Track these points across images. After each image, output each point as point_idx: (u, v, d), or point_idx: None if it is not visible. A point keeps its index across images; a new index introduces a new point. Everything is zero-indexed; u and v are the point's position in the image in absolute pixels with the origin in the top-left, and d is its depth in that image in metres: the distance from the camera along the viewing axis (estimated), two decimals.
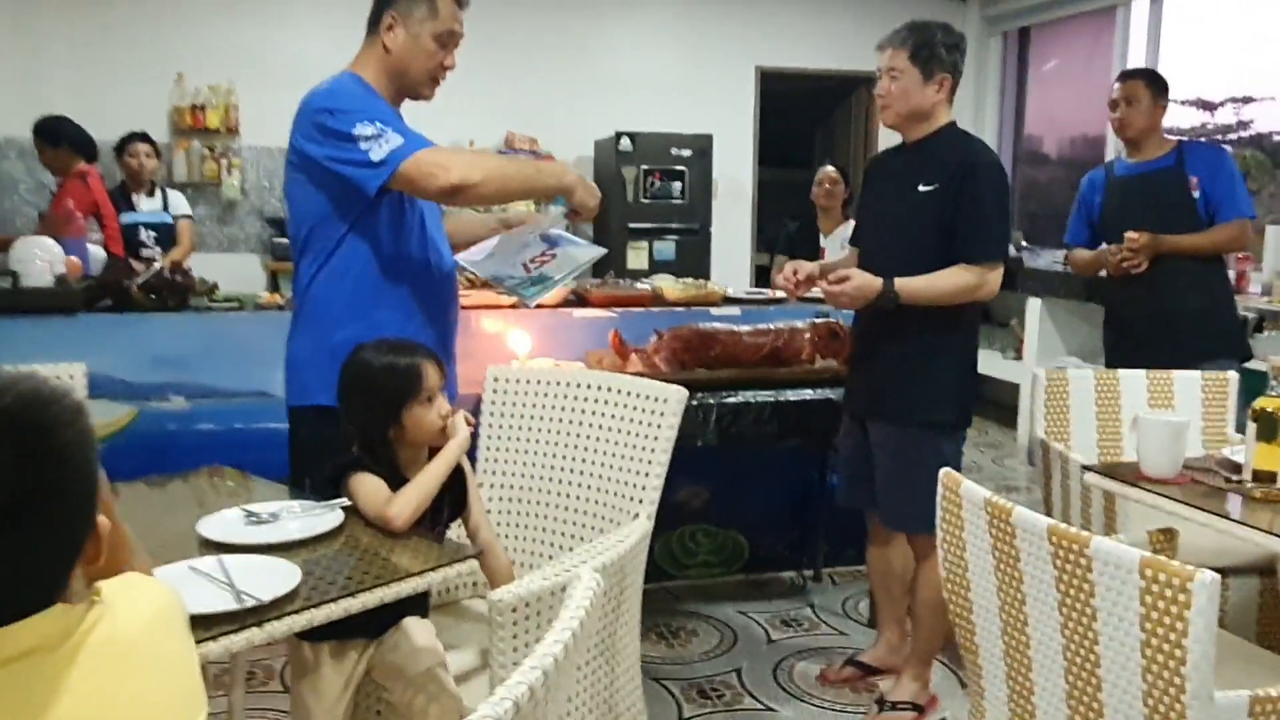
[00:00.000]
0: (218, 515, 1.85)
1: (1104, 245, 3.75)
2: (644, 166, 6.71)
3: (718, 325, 3.48)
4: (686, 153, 6.79)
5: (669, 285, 3.90)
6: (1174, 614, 1.39)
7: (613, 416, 2.34)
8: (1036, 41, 7.68)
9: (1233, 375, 3.14)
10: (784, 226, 5.62)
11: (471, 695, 1.96)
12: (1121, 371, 3.18)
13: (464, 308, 2.78)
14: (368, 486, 1.88)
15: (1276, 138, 7.03)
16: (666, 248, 6.67)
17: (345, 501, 1.90)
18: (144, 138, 5.20)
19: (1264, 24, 6.25)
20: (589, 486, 2.35)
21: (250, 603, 1.48)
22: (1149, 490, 2.22)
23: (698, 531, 3.79)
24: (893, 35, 2.75)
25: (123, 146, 5.17)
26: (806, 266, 2.87)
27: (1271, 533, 1.96)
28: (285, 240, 6.41)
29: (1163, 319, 3.54)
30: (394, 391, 1.96)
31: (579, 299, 3.78)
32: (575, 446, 2.38)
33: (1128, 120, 3.61)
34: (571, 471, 2.38)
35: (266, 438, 3.37)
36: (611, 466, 2.32)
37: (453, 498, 2.07)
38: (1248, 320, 4.56)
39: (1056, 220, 7.23)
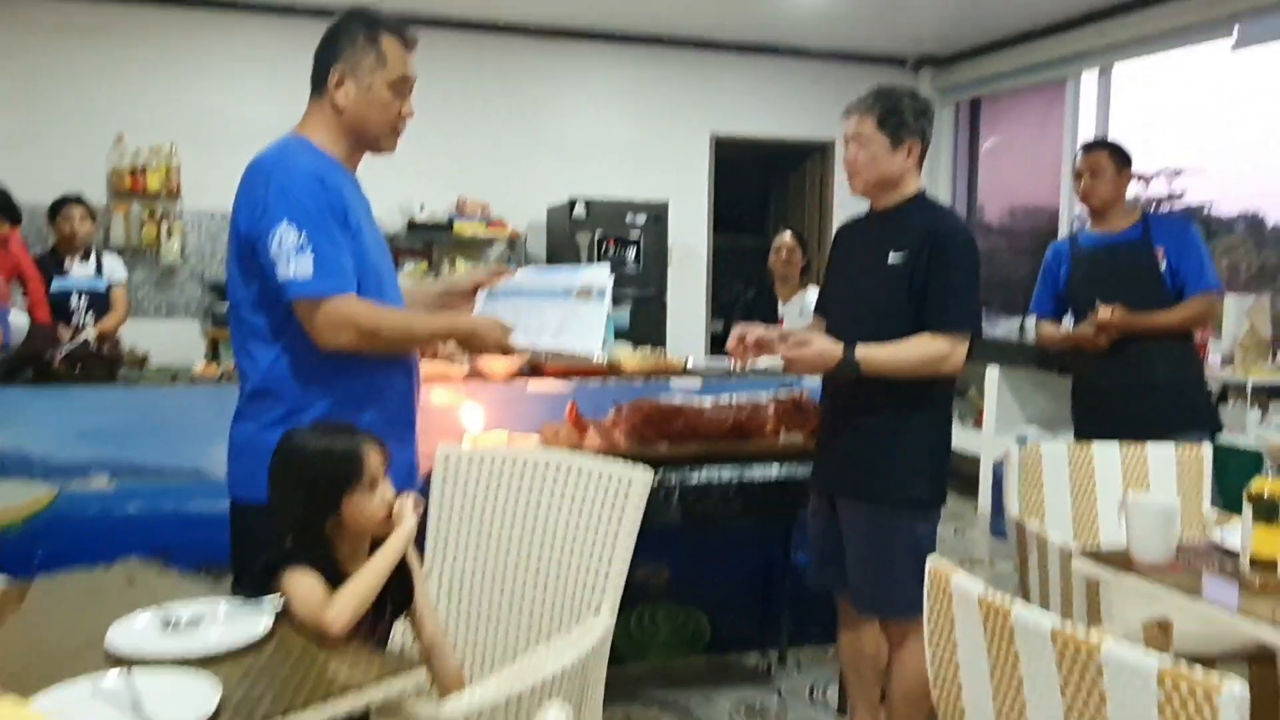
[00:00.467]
0: (131, 621, 1.65)
1: (1071, 317, 3.71)
2: (598, 233, 6.61)
3: (678, 398, 3.35)
4: (641, 219, 6.72)
5: (627, 355, 3.76)
6: None
7: (572, 499, 2.18)
8: (987, 112, 7.77)
9: (1207, 449, 3.07)
10: (740, 293, 5.54)
11: None
12: (1095, 445, 3.10)
13: None
14: (303, 586, 1.70)
15: (1207, 210, 7.20)
16: (621, 315, 6.55)
17: (278, 601, 1.71)
18: (78, 200, 5.01)
19: (1198, 100, 6.40)
20: (547, 576, 2.18)
21: None
22: (1143, 580, 2.10)
23: (658, 611, 3.60)
24: (858, 101, 2.66)
25: (55, 210, 4.97)
26: (757, 330, 2.73)
27: (1277, 623, 1.85)
28: (227, 306, 6.22)
29: (1134, 391, 3.49)
30: (332, 480, 1.79)
31: (533, 369, 3.62)
32: (532, 532, 2.21)
33: (1093, 191, 3.58)
34: (528, 559, 2.21)
35: (200, 520, 3.17)
36: (571, 554, 2.15)
37: (397, 591, 1.88)
38: (1214, 393, 4.53)
39: (1011, 289, 7.26)
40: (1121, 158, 3.60)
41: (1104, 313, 3.42)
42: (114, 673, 1.46)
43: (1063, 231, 6.77)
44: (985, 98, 7.61)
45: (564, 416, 3.24)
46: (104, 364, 3.26)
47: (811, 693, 3.49)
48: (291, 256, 1.98)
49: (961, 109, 7.75)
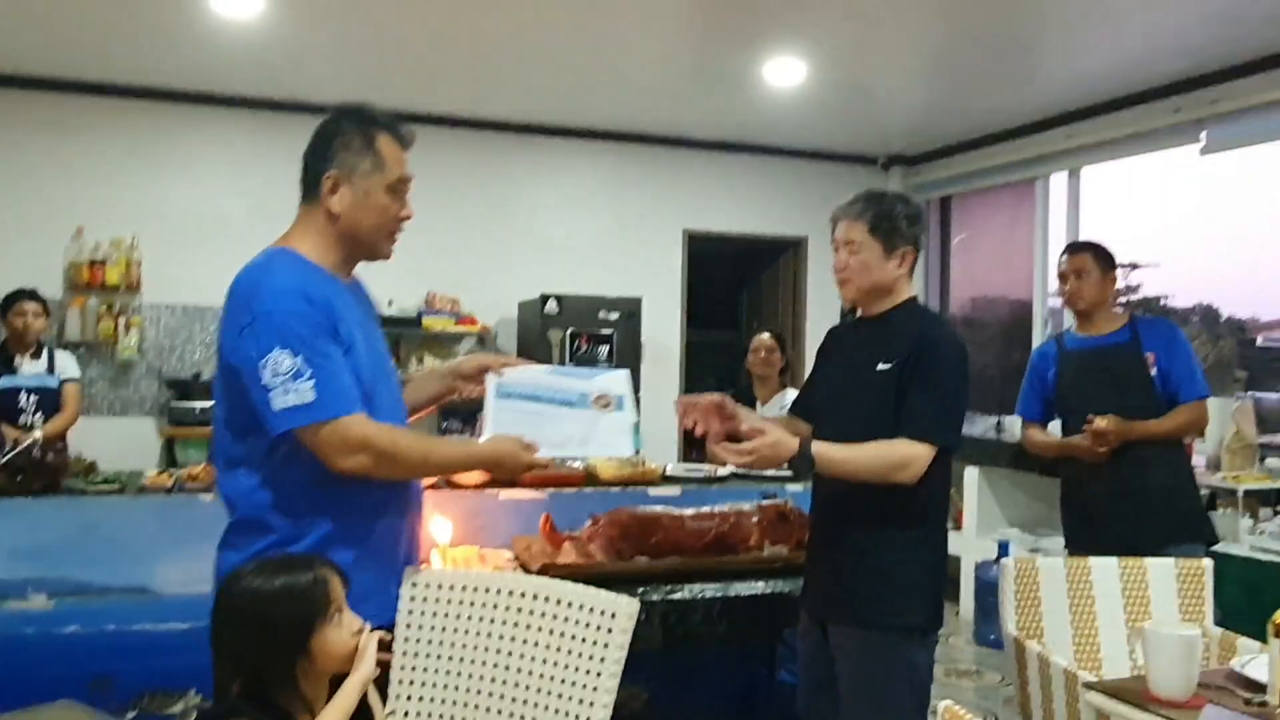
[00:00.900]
0: None
1: (1060, 420, 3.62)
2: (571, 330, 6.51)
3: (658, 509, 3.19)
4: (614, 315, 6.63)
5: (603, 462, 3.61)
6: None
7: (550, 633, 2.00)
8: (958, 209, 7.81)
9: (1207, 564, 2.97)
10: (716, 390, 5.41)
11: None
12: (1093, 560, 2.98)
13: None
14: None
15: (1163, 301, 7.30)
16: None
17: None
18: (32, 295, 4.83)
19: (1164, 198, 6.50)
20: (522, 718, 1.99)
21: None
22: (1162, 716, 1.96)
23: None
24: (848, 207, 2.56)
25: (7, 305, 4.79)
26: (706, 398, 2.61)
27: None
28: (186, 405, 6.02)
29: (1127, 499, 3.39)
30: (299, 618, 1.63)
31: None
32: (505, 669, 2.02)
33: (1079, 293, 3.52)
34: (500, 699, 2.01)
35: (145, 642, 2.94)
36: (549, 694, 1.96)
37: None
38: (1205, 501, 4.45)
39: (985, 385, 7.20)
40: (1106, 259, 3.55)
41: (1100, 422, 3.32)
42: None
43: (1037, 328, 6.75)
44: (955, 195, 7.66)
45: (537, 528, 3.08)
46: (47, 472, 3.05)
47: None
48: (289, 384, 1.85)
49: (932, 205, 7.79)
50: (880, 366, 2.51)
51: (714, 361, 8.37)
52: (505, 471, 2.15)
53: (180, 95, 6.27)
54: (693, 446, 5.91)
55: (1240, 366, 6.56)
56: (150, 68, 5.89)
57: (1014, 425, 6.20)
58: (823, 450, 2.36)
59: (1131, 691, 2.06)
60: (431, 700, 2.07)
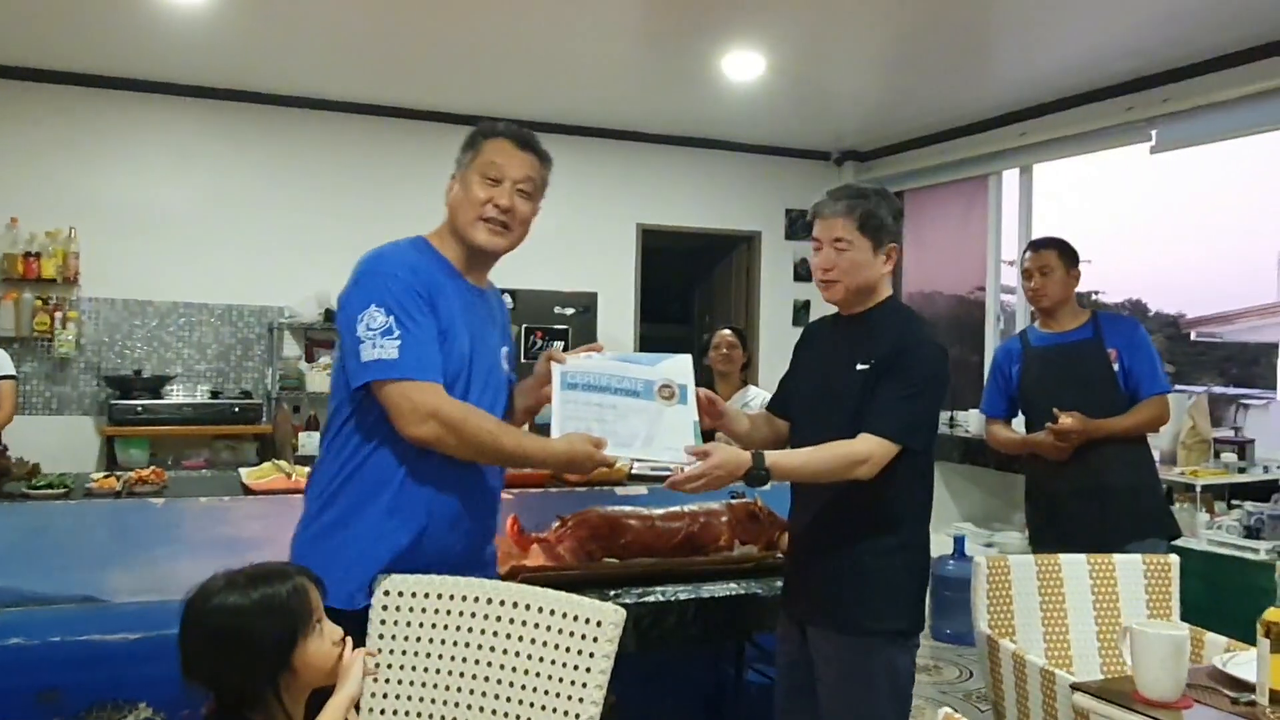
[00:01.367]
0: None
1: (1023, 417, 3.63)
2: (525, 325, 6.43)
3: (626, 509, 3.13)
4: (569, 310, 6.58)
5: None
6: None
7: (532, 642, 1.93)
8: (911, 204, 7.83)
9: (1174, 559, 3.00)
10: None
11: None
12: (1062, 557, 2.99)
13: None
14: None
15: (1094, 296, 7.43)
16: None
17: None
18: None
19: (1112, 196, 6.58)
20: None
21: None
22: (1151, 717, 1.94)
23: None
24: (832, 203, 2.47)
25: None
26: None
27: None
28: (126, 402, 5.81)
29: (1092, 496, 3.41)
30: (281, 631, 1.55)
31: None
32: (486, 680, 1.95)
33: (1043, 290, 3.53)
34: (481, 712, 1.94)
35: (92, 653, 2.81)
36: (531, 705, 1.90)
37: None
38: (1170, 496, 4.50)
39: None
40: (1070, 256, 3.56)
41: (1065, 420, 3.33)
42: None
43: (990, 324, 6.80)
44: (908, 191, 7.69)
45: (504, 531, 3.00)
46: None
47: None
48: (378, 339, 1.98)
49: None
50: (859, 367, 2.46)
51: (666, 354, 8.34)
52: (577, 472, 2.17)
53: (121, 82, 6.06)
54: None
55: (1168, 361, 6.69)
56: (89, 54, 5.68)
57: (966, 420, 6.26)
58: (777, 460, 2.30)
59: (1120, 693, 2.05)
60: (406, 715, 1.99)
